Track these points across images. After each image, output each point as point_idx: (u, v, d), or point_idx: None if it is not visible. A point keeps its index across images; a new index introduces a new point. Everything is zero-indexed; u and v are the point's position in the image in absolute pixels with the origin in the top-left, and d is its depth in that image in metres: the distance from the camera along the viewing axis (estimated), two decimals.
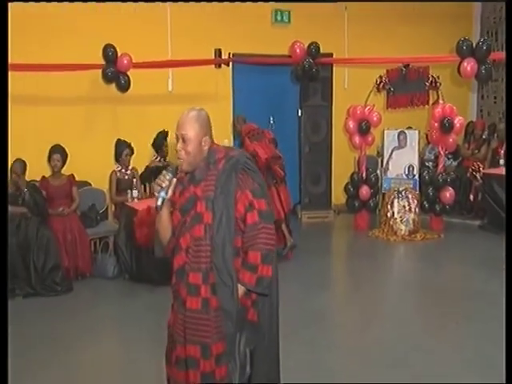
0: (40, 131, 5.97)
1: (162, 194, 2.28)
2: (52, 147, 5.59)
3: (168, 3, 6.69)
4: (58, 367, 3.71)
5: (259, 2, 7.25)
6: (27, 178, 5.41)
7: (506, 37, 5.39)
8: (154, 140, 6.22)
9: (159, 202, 2.30)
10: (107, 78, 6.04)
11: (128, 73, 6.04)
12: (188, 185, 2.32)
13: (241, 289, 2.23)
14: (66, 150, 5.61)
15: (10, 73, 5.26)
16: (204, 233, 2.21)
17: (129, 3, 6.38)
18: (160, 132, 6.19)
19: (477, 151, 7.82)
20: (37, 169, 5.59)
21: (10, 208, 5.15)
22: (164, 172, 2.33)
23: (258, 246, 2.20)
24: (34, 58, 5.57)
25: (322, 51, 6.83)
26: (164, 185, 2.28)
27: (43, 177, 5.60)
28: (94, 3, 6.16)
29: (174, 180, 2.30)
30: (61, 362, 3.79)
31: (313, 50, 6.72)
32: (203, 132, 2.27)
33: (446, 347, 3.85)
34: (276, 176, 5.78)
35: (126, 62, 5.97)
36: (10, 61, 5.01)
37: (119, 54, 5.97)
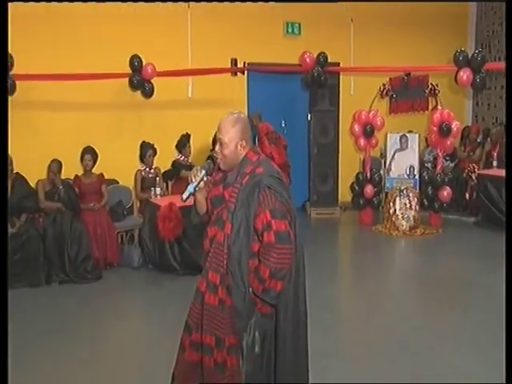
0: (74, 134, 6.07)
1: (191, 188, 2.31)
2: (84, 148, 5.69)
3: (189, 16, 6.77)
4: (87, 341, 3.89)
5: (272, 16, 7.31)
6: (62, 176, 5.54)
7: (506, 38, 5.34)
8: (178, 141, 6.30)
9: (185, 196, 2.32)
10: (133, 86, 6.11)
11: (152, 81, 6.11)
12: (220, 182, 2.34)
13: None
14: (97, 151, 5.71)
15: (50, 83, 5.43)
16: (223, 241, 2.22)
17: (151, 15, 6.48)
18: (183, 135, 6.29)
19: (472, 153, 7.78)
20: (71, 168, 5.71)
21: (47, 203, 5.30)
22: (199, 167, 2.34)
23: (269, 263, 2.14)
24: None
25: (329, 60, 6.87)
26: (195, 180, 2.31)
27: (76, 175, 5.70)
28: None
29: (205, 178, 2.33)
30: (89, 336, 3.97)
31: (321, 59, 6.76)
32: (239, 136, 2.27)
33: (444, 336, 3.87)
34: None
35: (150, 70, 6.02)
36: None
37: (144, 64, 6.03)
